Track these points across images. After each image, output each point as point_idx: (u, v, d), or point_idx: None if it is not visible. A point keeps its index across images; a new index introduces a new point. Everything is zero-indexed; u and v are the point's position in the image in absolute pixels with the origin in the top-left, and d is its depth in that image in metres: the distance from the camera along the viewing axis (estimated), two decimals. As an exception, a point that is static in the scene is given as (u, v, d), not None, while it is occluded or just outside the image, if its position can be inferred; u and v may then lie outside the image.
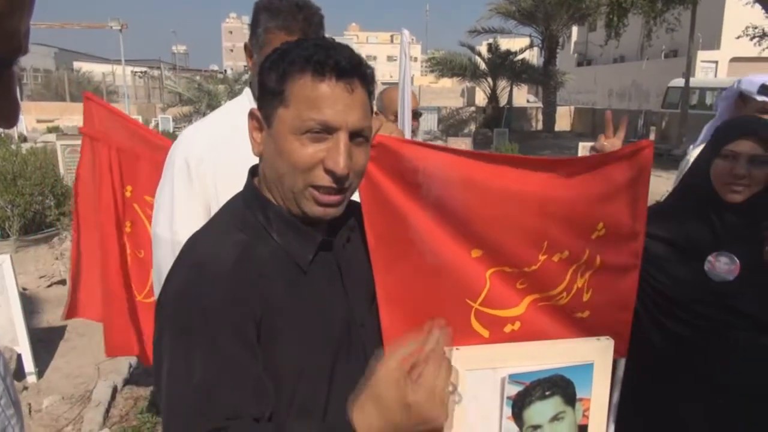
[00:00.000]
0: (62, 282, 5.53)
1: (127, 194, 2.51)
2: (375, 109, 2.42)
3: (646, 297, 1.71)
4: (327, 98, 0.93)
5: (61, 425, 3.20)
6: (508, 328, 1.37)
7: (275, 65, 0.96)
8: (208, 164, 1.48)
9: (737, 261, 1.62)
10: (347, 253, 1.10)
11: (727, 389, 1.64)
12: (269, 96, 0.96)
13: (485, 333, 1.36)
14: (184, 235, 1.44)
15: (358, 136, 0.97)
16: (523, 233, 1.32)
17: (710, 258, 1.64)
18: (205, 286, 0.90)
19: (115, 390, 3.50)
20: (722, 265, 1.63)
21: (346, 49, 0.96)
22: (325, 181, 0.96)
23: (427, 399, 0.80)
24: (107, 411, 3.29)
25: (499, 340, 1.37)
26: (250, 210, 1.00)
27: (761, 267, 1.60)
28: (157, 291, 1.63)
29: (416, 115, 2.43)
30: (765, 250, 1.60)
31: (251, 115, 1.00)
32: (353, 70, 0.95)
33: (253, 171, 1.06)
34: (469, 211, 1.26)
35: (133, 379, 3.70)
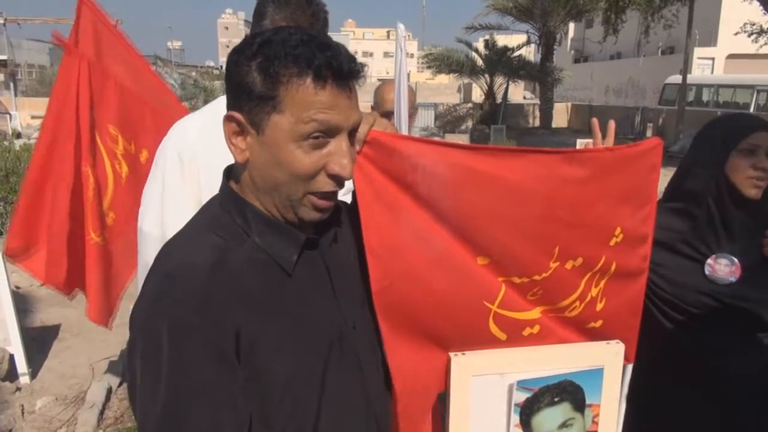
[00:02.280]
0: (56, 280, 5.47)
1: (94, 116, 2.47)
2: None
3: (648, 300, 1.67)
4: (328, 102, 0.88)
5: (54, 427, 3.14)
6: (526, 332, 1.31)
7: (260, 67, 0.87)
8: (201, 159, 1.44)
9: (737, 262, 1.59)
10: (335, 252, 1.05)
11: (732, 392, 1.61)
12: (255, 100, 0.88)
13: (503, 336, 1.30)
14: (173, 231, 1.40)
15: (352, 134, 0.95)
16: (532, 237, 1.24)
17: (710, 261, 1.62)
18: (176, 298, 0.85)
19: (109, 391, 3.44)
20: (722, 267, 1.60)
21: (342, 49, 0.90)
22: (329, 186, 0.92)
23: None
24: (102, 412, 3.23)
25: (517, 342, 1.31)
26: (227, 213, 0.95)
27: (762, 267, 1.58)
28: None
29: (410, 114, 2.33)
30: (765, 249, 1.57)
31: (229, 118, 0.91)
32: (352, 73, 0.90)
33: (228, 172, 1.00)
34: (472, 213, 1.19)
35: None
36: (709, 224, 1.63)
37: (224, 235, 0.92)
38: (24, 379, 3.57)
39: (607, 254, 1.32)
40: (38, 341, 4.13)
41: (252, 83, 0.88)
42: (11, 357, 3.56)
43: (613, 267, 1.34)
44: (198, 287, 0.85)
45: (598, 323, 1.38)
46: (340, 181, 0.92)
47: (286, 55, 0.86)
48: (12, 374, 3.55)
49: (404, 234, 1.16)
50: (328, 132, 0.89)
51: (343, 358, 1.01)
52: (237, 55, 0.91)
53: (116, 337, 4.25)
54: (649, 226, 1.39)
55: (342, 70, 0.88)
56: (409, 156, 1.13)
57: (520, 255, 1.25)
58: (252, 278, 0.90)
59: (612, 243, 1.32)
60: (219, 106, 1.58)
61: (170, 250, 0.94)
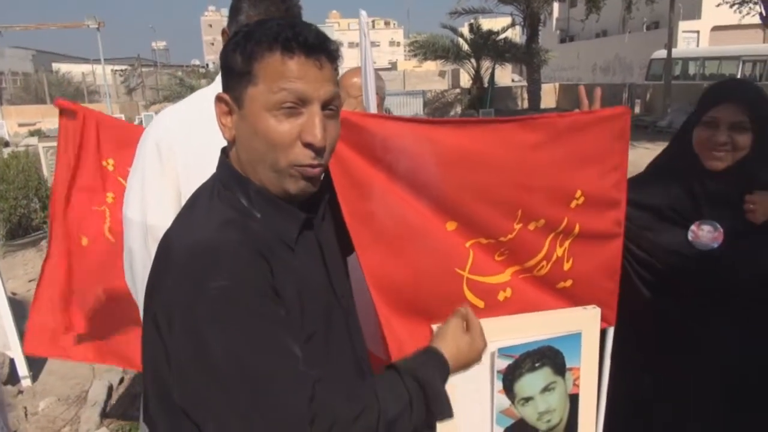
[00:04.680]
0: (52, 285, 5.49)
1: (109, 168, 2.50)
2: None
3: (630, 267, 1.69)
4: (297, 71, 0.94)
5: (58, 426, 3.18)
6: (501, 296, 1.37)
7: (240, 47, 0.96)
8: (179, 149, 1.48)
9: (720, 228, 1.60)
10: (324, 229, 1.12)
11: (714, 357, 1.63)
12: (236, 78, 0.96)
13: (480, 303, 1.35)
14: (154, 218, 1.44)
15: (329, 107, 0.98)
16: (496, 202, 1.30)
17: (693, 227, 1.63)
18: (223, 268, 0.87)
19: (110, 389, 3.48)
20: (705, 234, 1.61)
21: (312, 27, 0.97)
22: (307, 157, 0.96)
23: (480, 338, 1.16)
24: (104, 410, 3.28)
25: (496, 308, 1.36)
26: (230, 191, 1.00)
27: (745, 233, 1.58)
28: (128, 273, 1.62)
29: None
30: (749, 214, 1.57)
31: (219, 99, 0.99)
32: (321, 46, 0.96)
33: (225, 152, 1.05)
34: (439, 182, 1.25)
35: (128, 377, 3.69)
36: (689, 193, 1.65)
37: (236, 212, 0.97)
38: (26, 382, 3.61)
39: (569, 216, 1.37)
40: (38, 345, 4.16)
41: (234, 63, 0.96)
42: (11, 361, 3.59)
43: (577, 228, 1.39)
44: (239, 257, 0.89)
45: (568, 283, 1.43)
46: (316, 151, 0.96)
47: (261, 34, 0.94)
48: (13, 378, 3.58)
49: (377, 207, 1.22)
50: (300, 102, 0.94)
51: (336, 326, 1.08)
52: (227, 44, 1.00)
53: (115, 337, 4.30)
54: (620, 192, 1.44)
55: (308, 41, 0.94)
56: (377, 133, 1.19)
57: (486, 219, 1.31)
58: (268, 250, 0.95)
59: (573, 205, 1.37)
60: (198, 98, 1.61)
61: (189, 226, 0.97)
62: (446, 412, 1.02)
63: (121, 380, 3.63)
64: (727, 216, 1.60)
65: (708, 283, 1.60)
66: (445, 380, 1.06)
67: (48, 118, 21.80)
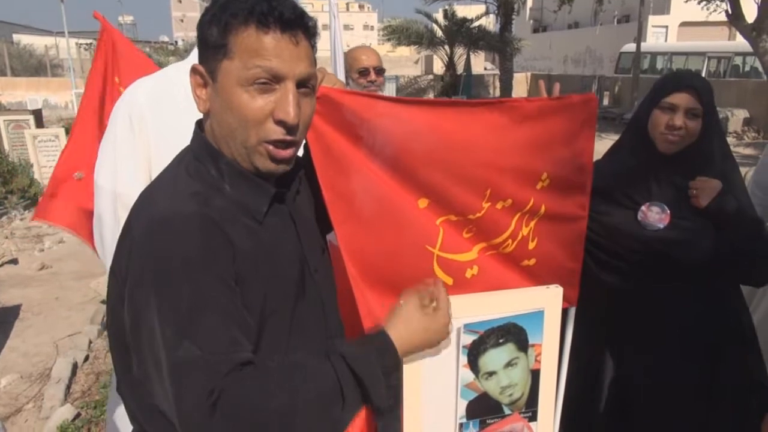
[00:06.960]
0: (13, 261, 5.38)
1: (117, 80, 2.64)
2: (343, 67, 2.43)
3: (586, 252, 1.78)
4: (272, 48, 0.93)
5: (21, 403, 3.15)
6: (468, 273, 1.41)
7: (216, 19, 0.94)
8: (151, 121, 1.48)
9: (667, 210, 1.70)
10: (298, 204, 1.13)
11: (663, 332, 1.74)
12: (212, 50, 0.95)
13: (449, 280, 1.39)
14: (125, 187, 1.46)
15: (304, 85, 0.98)
16: (466, 181, 1.34)
17: (643, 208, 1.73)
18: (180, 239, 0.88)
19: (75, 366, 3.45)
20: (654, 215, 1.72)
21: (289, 1, 0.96)
22: (278, 133, 0.96)
23: (444, 323, 1.13)
24: (68, 387, 3.25)
25: (463, 285, 1.40)
26: (201, 163, 1.00)
27: (690, 215, 1.69)
28: (97, 240, 1.63)
29: (380, 71, 2.38)
30: (693, 199, 1.69)
31: (194, 71, 0.98)
32: (297, 21, 0.95)
33: (200, 124, 1.05)
34: (412, 160, 1.28)
35: (93, 354, 3.65)
36: (641, 176, 1.75)
37: (203, 184, 0.97)
38: (-14, 359, 3.55)
39: (535, 197, 1.42)
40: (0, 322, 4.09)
41: (209, 35, 0.95)
42: (-28, 338, 3.52)
43: (543, 209, 1.45)
44: (198, 229, 0.89)
45: (532, 261, 1.49)
46: (288, 128, 0.96)
47: (237, 7, 0.93)
48: (-27, 355, 3.51)
49: (354, 183, 1.24)
50: (274, 79, 0.94)
51: (307, 298, 1.08)
52: (204, 15, 0.98)
53: (79, 314, 4.25)
54: (585, 176, 1.49)
55: (284, 16, 0.93)
56: (356, 110, 1.20)
57: (456, 197, 1.35)
58: (232, 226, 0.95)
59: (539, 187, 1.42)
60: (171, 71, 1.61)
61: (153, 198, 0.97)
62: (382, 399, 0.97)
63: (86, 358, 3.60)
64: (674, 199, 1.71)
65: (655, 260, 1.71)
66: (386, 363, 1.00)
67: (8, 91, 21.01)
